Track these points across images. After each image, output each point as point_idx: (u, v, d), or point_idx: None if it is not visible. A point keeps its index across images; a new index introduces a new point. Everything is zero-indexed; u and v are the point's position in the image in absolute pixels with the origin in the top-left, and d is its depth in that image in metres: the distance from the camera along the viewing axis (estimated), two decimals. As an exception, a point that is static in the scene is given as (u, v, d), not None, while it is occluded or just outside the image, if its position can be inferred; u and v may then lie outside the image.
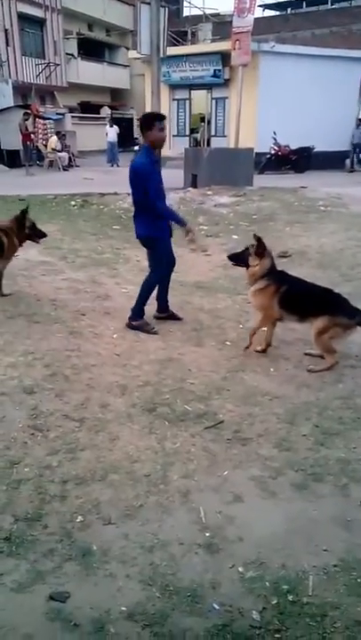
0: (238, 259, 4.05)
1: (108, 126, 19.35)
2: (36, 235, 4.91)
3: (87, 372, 3.53)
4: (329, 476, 2.56)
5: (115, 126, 19.32)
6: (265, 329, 3.99)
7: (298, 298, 3.82)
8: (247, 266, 3.93)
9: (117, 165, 18.22)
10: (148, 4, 11.82)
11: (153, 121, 4.06)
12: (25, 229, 4.77)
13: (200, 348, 4.03)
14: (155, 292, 4.54)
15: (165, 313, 4.67)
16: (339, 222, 8.50)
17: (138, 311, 4.38)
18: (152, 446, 2.76)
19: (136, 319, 4.36)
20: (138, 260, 6.47)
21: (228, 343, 4.14)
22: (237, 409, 3.15)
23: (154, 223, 4.20)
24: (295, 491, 2.45)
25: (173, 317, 4.66)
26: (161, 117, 4.17)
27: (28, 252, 6.38)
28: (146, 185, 4.04)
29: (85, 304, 4.84)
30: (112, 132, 18.86)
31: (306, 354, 3.97)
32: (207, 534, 2.17)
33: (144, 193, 4.07)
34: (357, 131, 18.03)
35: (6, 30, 20.53)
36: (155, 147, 4.22)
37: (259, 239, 3.87)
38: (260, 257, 3.86)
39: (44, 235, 4.98)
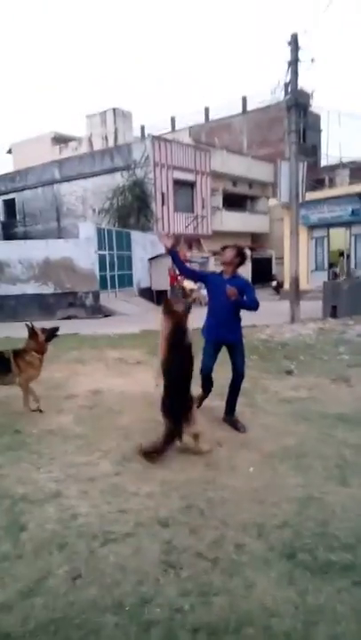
0: None
1: None
2: (51, 333, 5.80)
3: (222, 507, 3.40)
4: None
5: None
6: None
7: None
8: None
9: None
10: (288, 160, 13.11)
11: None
12: (39, 337, 5.67)
13: (345, 488, 3.67)
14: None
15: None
16: None
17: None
18: (292, 599, 2.46)
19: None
20: (276, 390, 6.40)
21: (377, 484, 3.73)
22: (392, 564, 2.73)
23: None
24: None
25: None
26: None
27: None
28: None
29: (222, 433, 4.82)
30: None
31: None
32: None
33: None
34: None
35: (163, 193, 24.02)
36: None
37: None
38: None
39: (56, 329, 5.87)
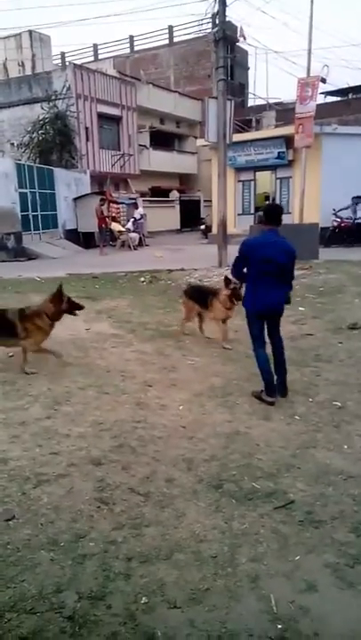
0: None
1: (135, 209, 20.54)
2: (74, 308, 5.12)
3: (153, 445, 3.52)
4: None
5: (140, 208, 20.59)
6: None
7: None
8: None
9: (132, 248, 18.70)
10: (215, 98, 12.79)
11: None
12: (62, 305, 4.98)
13: (268, 422, 3.92)
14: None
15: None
16: None
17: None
18: (219, 525, 2.65)
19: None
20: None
21: (297, 417, 4.00)
22: (309, 488, 2.99)
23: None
24: (376, 583, 2.24)
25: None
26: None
27: (100, 326, 6.67)
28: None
29: (152, 375, 4.92)
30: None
31: None
32: (279, 626, 2.00)
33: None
34: None
35: (87, 128, 22.76)
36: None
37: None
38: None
39: (80, 307, 5.20)
